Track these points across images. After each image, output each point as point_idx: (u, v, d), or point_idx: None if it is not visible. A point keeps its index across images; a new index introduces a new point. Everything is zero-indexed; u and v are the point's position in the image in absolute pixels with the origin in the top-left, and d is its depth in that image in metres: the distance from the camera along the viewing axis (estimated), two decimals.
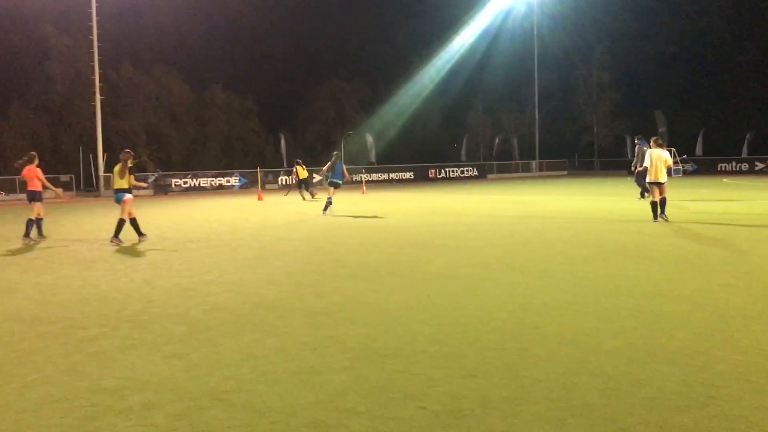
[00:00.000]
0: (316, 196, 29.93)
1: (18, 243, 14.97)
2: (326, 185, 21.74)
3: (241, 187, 42.39)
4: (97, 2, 39.50)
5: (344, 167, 21.49)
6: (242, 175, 43.43)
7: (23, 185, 17.38)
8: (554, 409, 4.41)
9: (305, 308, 7.50)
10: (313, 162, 56.09)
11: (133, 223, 14.59)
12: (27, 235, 15.25)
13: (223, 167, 53.19)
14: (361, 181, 37.40)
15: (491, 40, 63.02)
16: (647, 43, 63.32)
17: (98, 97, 40.31)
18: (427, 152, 61.33)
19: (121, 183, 14.50)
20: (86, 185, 45.47)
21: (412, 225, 16.88)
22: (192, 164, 58.34)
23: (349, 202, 27.07)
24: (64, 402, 4.74)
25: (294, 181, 32.68)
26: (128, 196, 14.52)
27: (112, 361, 5.69)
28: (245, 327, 6.74)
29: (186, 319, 7.15)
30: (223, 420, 4.37)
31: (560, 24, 62.21)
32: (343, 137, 59.80)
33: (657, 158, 16.13)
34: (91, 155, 45.64)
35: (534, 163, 60.18)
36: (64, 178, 42.36)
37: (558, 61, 64.59)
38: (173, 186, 40.39)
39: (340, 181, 21.28)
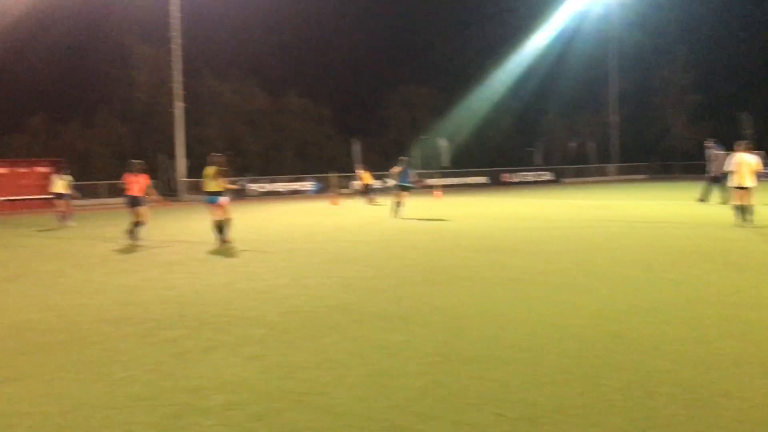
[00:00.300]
0: (377, 201, 30.23)
1: (107, 245, 15.54)
2: (394, 190, 22.09)
3: (315, 192, 42.93)
4: (178, 12, 40.65)
5: (412, 172, 22.18)
6: (316, 180, 43.97)
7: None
8: (635, 419, 4.31)
9: (380, 312, 7.54)
10: (386, 167, 56.30)
11: (220, 226, 14.97)
12: (132, 235, 15.95)
13: (298, 172, 54.00)
14: (433, 186, 37.34)
15: (566, 42, 62.04)
16: (730, 43, 61.23)
17: (178, 104, 41.48)
18: (501, 156, 60.78)
19: (213, 186, 14.98)
20: (167, 190, 46.85)
21: (486, 229, 16.76)
22: (268, 169, 59.45)
23: (422, 207, 27.05)
24: (150, 400, 4.90)
25: (360, 187, 33.38)
26: (224, 198, 14.97)
27: (194, 362, 5.84)
28: (321, 330, 6.82)
29: (264, 321, 7.29)
30: (301, 422, 4.43)
31: (639, 24, 60.77)
32: (416, 142, 59.88)
33: (743, 163, 15.59)
34: (172, 161, 46.99)
35: (611, 167, 58.91)
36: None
37: (636, 62, 63.05)
38: (250, 191, 41.23)
39: (409, 184, 21.80)
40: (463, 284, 9.12)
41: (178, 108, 41.48)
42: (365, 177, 31.60)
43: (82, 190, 42.09)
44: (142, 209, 16.21)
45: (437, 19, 74.03)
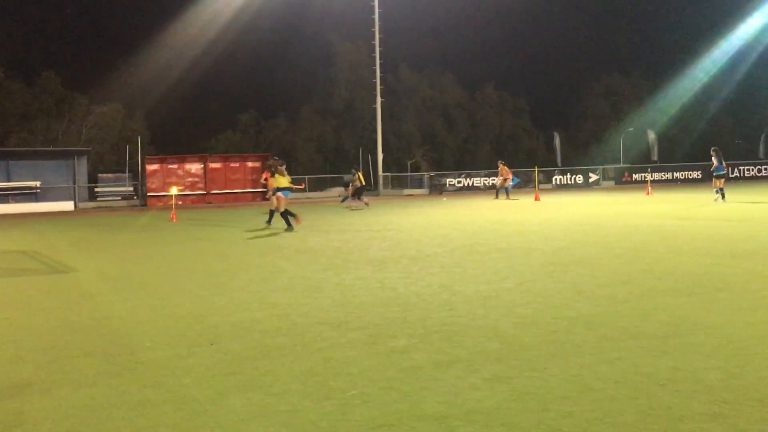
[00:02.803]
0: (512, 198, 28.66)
1: (316, 239, 15.55)
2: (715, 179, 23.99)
3: (514, 186, 41.66)
4: (379, 8, 41.06)
5: (722, 160, 23.84)
6: (515, 174, 42.67)
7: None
8: None
9: (631, 328, 6.49)
10: (583, 161, 53.84)
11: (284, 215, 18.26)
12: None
13: (493, 167, 53.03)
14: (645, 181, 34.83)
15: None
16: None
17: (379, 99, 41.94)
18: (712, 149, 56.08)
19: (284, 182, 18.65)
20: (366, 184, 47.68)
21: (719, 230, 14.92)
22: (463, 164, 59.01)
23: (633, 203, 25.19)
24: (388, 428, 4.25)
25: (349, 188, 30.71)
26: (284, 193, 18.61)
27: (429, 380, 5.16)
28: (567, 348, 5.91)
29: (497, 333, 6.50)
30: None
31: None
32: (617, 134, 56.85)
33: None
34: (369, 155, 47.76)
35: None
36: (347, 177, 44.66)
37: None
38: (447, 185, 40.83)
39: (723, 173, 23.73)
40: (722, 297, 7.79)
41: (378, 103, 41.90)
42: (360, 179, 28.79)
43: None
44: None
45: (641, 3, 69.75)
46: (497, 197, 31.70)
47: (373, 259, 12.09)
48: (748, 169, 45.87)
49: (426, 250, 13.15)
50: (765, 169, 46.43)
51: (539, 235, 15.08)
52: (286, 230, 17.81)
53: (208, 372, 5.55)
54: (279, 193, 18.61)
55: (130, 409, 4.73)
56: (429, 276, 9.96)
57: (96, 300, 9.00)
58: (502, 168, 32.23)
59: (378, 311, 7.62)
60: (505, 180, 32.20)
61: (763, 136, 53.72)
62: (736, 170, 45.49)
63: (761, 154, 52.64)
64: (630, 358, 5.53)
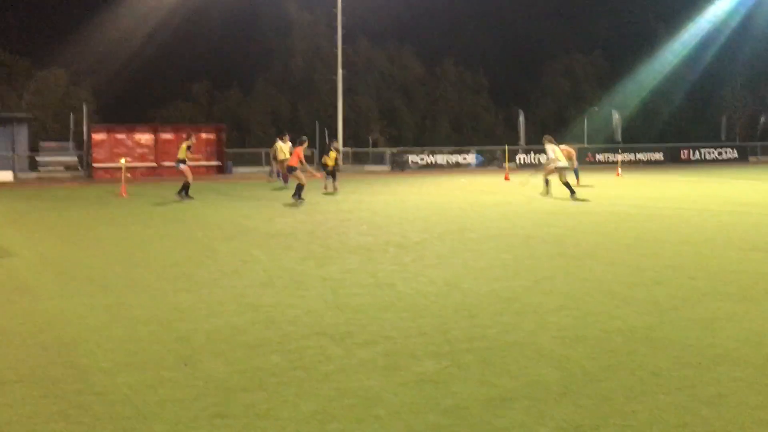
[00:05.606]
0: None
1: (284, 220, 14.15)
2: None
3: (477, 165, 40.62)
4: None
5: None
6: (479, 152, 41.60)
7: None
8: None
9: (706, 349, 5.32)
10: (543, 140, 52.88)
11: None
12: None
13: (452, 144, 51.90)
14: (616, 162, 33.92)
15: (754, 4, 55.77)
16: None
17: (340, 71, 40.29)
18: (675, 131, 55.92)
19: (182, 154, 19.07)
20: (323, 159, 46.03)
21: (718, 217, 13.93)
22: (422, 140, 57.78)
23: (608, 186, 24.29)
24: None
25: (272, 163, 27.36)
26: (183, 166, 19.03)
27: (483, 425, 3.90)
28: (644, 378, 4.70)
29: (541, 353, 5.26)
30: None
31: None
32: (580, 114, 56.23)
33: None
34: (326, 129, 46.07)
35: None
36: (306, 153, 43.02)
37: None
38: (410, 162, 39.55)
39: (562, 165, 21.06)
40: None
41: (339, 75, 40.22)
42: (280, 151, 25.24)
43: (242, 158, 42.03)
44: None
45: None
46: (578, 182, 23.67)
47: (355, 246, 10.75)
48: (709, 152, 45.61)
49: (411, 236, 11.85)
50: (724, 151, 46.23)
51: (528, 220, 13.90)
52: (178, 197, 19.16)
53: (187, 412, 4.19)
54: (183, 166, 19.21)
55: None
56: (428, 269, 8.68)
57: (37, 296, 7.48)
58: (562, 149, 22.38)
59: (384, 318, 6.33)
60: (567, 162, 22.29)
61: (723, 119, 53.69)
62: (698, 152, 45.18)
63: (722, 137, 52.63)
64: (733, 396, 4.35)
